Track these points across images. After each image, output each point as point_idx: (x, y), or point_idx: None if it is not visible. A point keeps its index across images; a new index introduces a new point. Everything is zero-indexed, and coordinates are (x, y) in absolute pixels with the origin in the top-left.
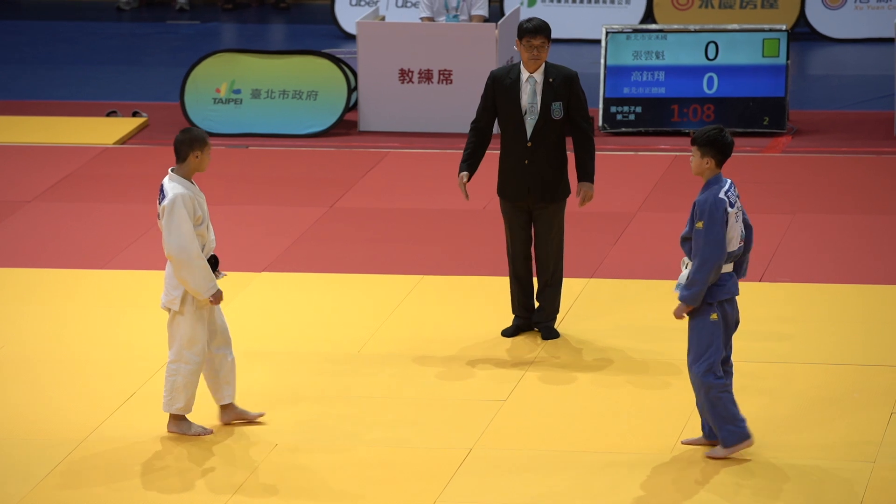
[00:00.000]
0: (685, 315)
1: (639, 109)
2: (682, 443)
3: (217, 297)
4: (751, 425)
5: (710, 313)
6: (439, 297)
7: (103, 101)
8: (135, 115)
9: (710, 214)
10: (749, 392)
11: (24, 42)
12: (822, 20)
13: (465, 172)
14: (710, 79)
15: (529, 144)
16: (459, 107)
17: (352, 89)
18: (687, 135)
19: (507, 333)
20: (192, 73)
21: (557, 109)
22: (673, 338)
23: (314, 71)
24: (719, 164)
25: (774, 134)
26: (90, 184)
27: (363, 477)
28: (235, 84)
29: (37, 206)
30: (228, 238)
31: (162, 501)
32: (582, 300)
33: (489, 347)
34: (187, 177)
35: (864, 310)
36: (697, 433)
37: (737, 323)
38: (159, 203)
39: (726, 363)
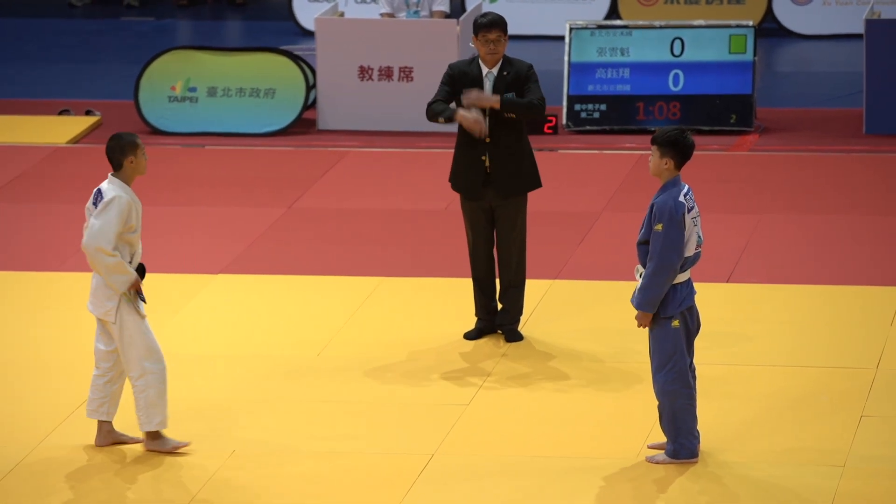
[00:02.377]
0: (649, 323)
1: (603, 107)
2: (649, 447)
3: (134, 284)
4: (716, 429)
5: (672, 320)
6: (400, 299)
7: (55, 100)
8: (88, 113)
9: (669, 217)
10: (714, 395)
11: None
12: (790, 16)
13: (452, 110)
14: (676, 76)
15: (487, 140)
16: (420, 105)
17: (310, 87)
18: (653, 132)
19: (470, 336)
20: (147, 70)
21: None
22: (638, 340)
23: (272, 68)
24: (678, 165)
25: (741, 132)
26: (42, 184)
27: (323, 484)
28: (191, 82)
29: None
30: (184, 240)
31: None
32: (546, 302)
33: (451, 351)
34: (127, 182)
35: (833, 311)
36: (663, 437)
37: (698, 327)
38: (94, 203)
39: (689, 368)
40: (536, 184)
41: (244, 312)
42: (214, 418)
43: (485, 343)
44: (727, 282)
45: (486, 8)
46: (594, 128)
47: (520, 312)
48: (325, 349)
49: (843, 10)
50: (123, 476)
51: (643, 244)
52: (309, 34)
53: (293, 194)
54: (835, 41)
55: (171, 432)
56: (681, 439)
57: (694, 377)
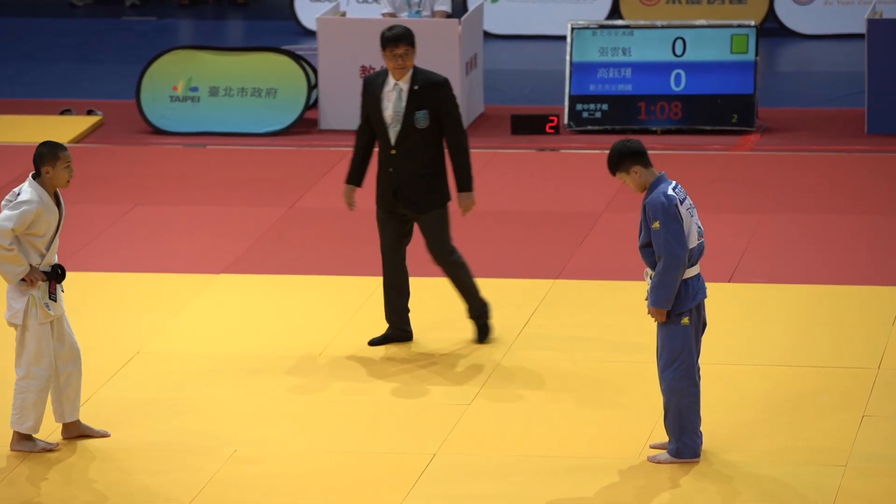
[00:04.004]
0: (664, 317)
1: (605, 107)
2: (651, 447)
3: (31, 277)
4: (717, 428)
5: (681, 318)
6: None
7: (57, 100)
8: (89, 113)
9: (663, 212)
10: (716, 394)
11: None
12: (792, 16)
13: (351, 186)
14: (678, 76)
15: (393, 153)
16: None
17: (312, 87)
18: (654, 132)
19: (374, 342)
20: (149, 70)
21: (422, 118)
22: (641, 340)
23: (273, 68)
24: (646, 165)
25: (743, 132)
26: None
27: (325, 484)
28: (193, 81)
29: None
30: (185, 239)
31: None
32: (547, 301)
33: (454, 350)
34: (45, 188)
35: (835, 311)
36: (665, 437)
37: (704, 325)
38: (9, 199)
39: (695, 366)
40: (445, 198)
41: (246, 312)
42: (216, 418)
43: (486, 343)
44: (729, 281)
45: (488, 8)
46: (596, 128)
47: (478, 308)
48: (326, 349)
49: (844, 9)
50: (124, 475)
51: (645, 247)
52: (310, 34)
53: (295, 194)
54: (836, 41)
55: (174, 429)
56: (684, 438)
57: (699, 377)
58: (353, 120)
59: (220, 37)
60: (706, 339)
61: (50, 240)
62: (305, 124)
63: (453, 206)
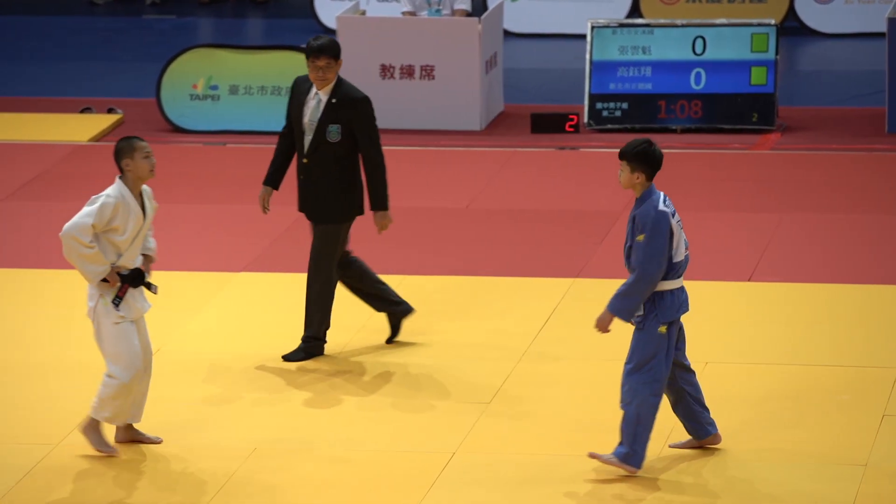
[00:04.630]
0: (608, 329)
1: (625, 106)
2: (670, 446)
3: (110, 276)
4: (737, 427)
5: (659, 325)
6: (420, 297)
7: (77, 98)
8: (110, 111)
9: (652, 227)
10: (738, 394)
11: None
12: (812, 15)
13: (268, 188)
14: (698, 74)
15: (305, 161)
16: (442, 103)
17: None
18: (674, 131)
19: (390, 340)
20: (169, 68)
21: (334, 132)
22: None
23: (293, 66)
24: (650, 177)
25: (763, 131)
26: (64, 182)
27: (343, 483)
28: (213, 80)
29: (9, 205)
30: (205, 238)
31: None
32: (567, 300)
33: (473, 348)
34: (128, 185)
35: (856, 310)
36: (684, 436)
37: (682, 341)
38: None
39: (688, 371)
40: (345, 216)
41: (266, 311)
42: (235, 416)
43: (506, 341)
44: (749, 280)
45: (508, 7)
46: (616, 126)
47: (310, 328)
48: (345, 347)
49: (865, 8)
50: (142, 475)
51: (630, 256)
52: (330, 32)
53: None
54: (857, 40)
55: (192, 428)
56: (635, 446)
57: (692, 384)
58: None
59: (239, 35)
60: (727, 339)
61: (130, 240)
62: None
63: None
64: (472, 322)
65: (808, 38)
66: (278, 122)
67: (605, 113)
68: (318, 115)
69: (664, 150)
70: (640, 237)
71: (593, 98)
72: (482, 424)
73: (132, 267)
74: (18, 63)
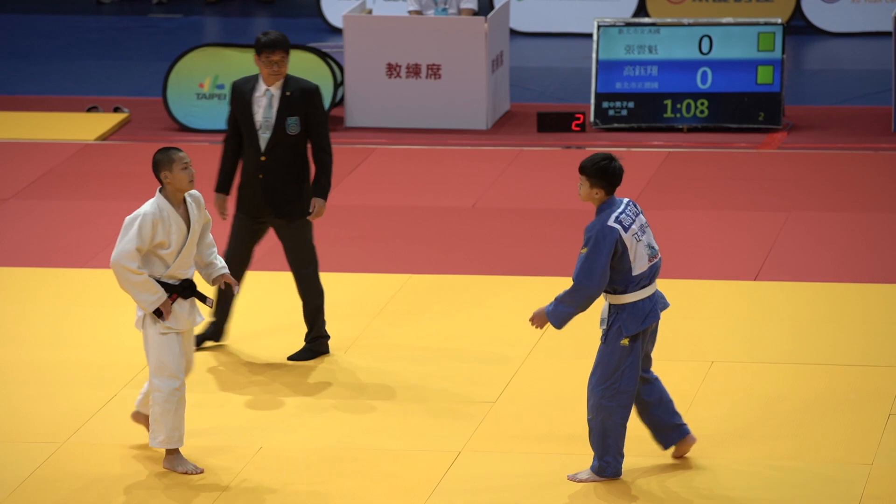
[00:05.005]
0: (542, 327)
1: (631, 105)
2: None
3: (164, 304)
4: (742, 427)
5: (622, 338)
6: (428, 296)
7: (84, 97)
8: (116, 110)
9: (595, 242)
10: (743, 394)
11: (0, 36)
12: (819, 14)
13: (223, 195)
14: (704, 73)
15: (263, 159)
16: (448, 102)
17: (338, 84)
18: (681, 130)
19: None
20: (175, 67)
21: (293, 125)
22: (669, 336)
23: (299, 65)
24: (608, 192)
25: (770, 130)
26: (70, 181)
27: (349, 481)
28: (219, 79)
29: (15, 204)
30: (214, 237)
31: None
32: None
33: (479, 348)
34: (168, 198)
35: (862, 309)
36: (694, 429)
37: (652, 345)
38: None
39: (647, 373)
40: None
41: (270, 310)
42: (240, 415)
43: (512, 340)
44: (755, 280)
45: (514, 6)
46: (622, 125)
47: (316, 330)
48: (352, 346)
49: (871, 7)
50: (147, 475)
51: None
52: (337, 31)
53: None
54: (863, 39)
55: (198, 426)
56: (608, 458)
57: (657, 387)
58: (379, 118)
59: (246, 34)
60: (733, 338)
61: (176, 252)
62: (331, 122)
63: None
64: (478, 321)
65: (814, 37)
66: None
67: (611, 112)
68: (273, 111)
69: (669, 150)
70: (583, 250)
71: (599, 97)
72: (488, 424)
73: (182, 277)
74: (25, 62)
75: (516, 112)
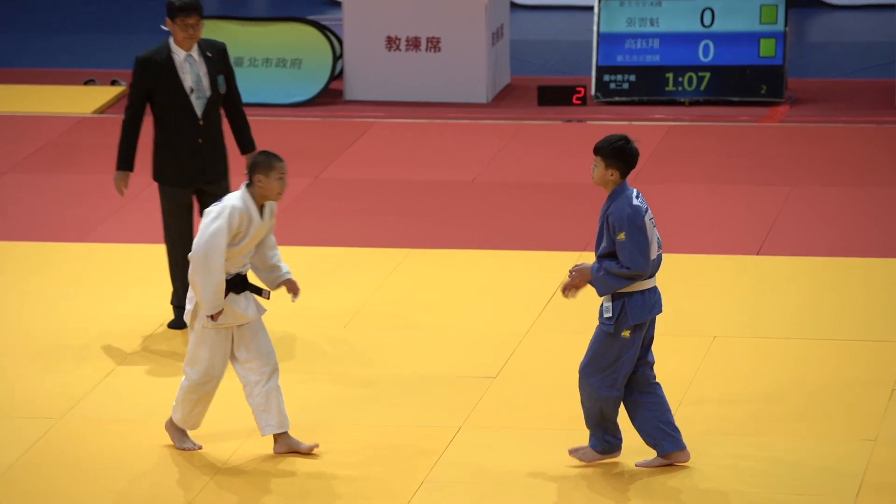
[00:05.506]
0: (575, 285)
1: (632, 78)
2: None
3: (215, 317)
4: (745, 403)
5: (625, 327)
6: (427, 271)
7: (81, 70)
8: (113, 83)
9: (630, 223)
10: (744, 369)
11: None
12: None
13: (126, 172)
14: (706, 46)
15: (202, 123)
16: (448, 75)
17: (337, 57)
18: (682, 104)
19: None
20: None
21: (222, 83)
22: (668, 311)
23: (298, 38)
24: (623, 175)
25: (772, 103)
26: (67, 154)
27: (348, 457)
28: None
29: (12, 178)
30: None
31: (147, 482)
32: None
33: (479, 323)
34: (255, 197)
35: (865, 284)
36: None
37: (651, 340)
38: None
39: (650, 370)
40: None
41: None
42: (238, 392)
43: (513, 315)
44: (757, 254)
45: None
46: (623, 99)
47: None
48: (351, 321)
49: None
50: (143, 451)
51: (604, 257)
52: (336, 4)
53: (319, 165)
54: (867, 11)
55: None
56: (607, 437)
57: (653, 384)
58: (378, 91)
59: (245, 7)
60: (734, 313)
61: (244, 251)
62: (330, 95)
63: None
64: (478, 296)
65: (817, 9)
66: (286, 94)
67: (612, 85)
68: (201, 73)
69: (670, 124)
70: (621, 236)
71: (601, 70)
72: (489, 399)
73: (235, 272)
74: (23, 35)
75: (517, 85)
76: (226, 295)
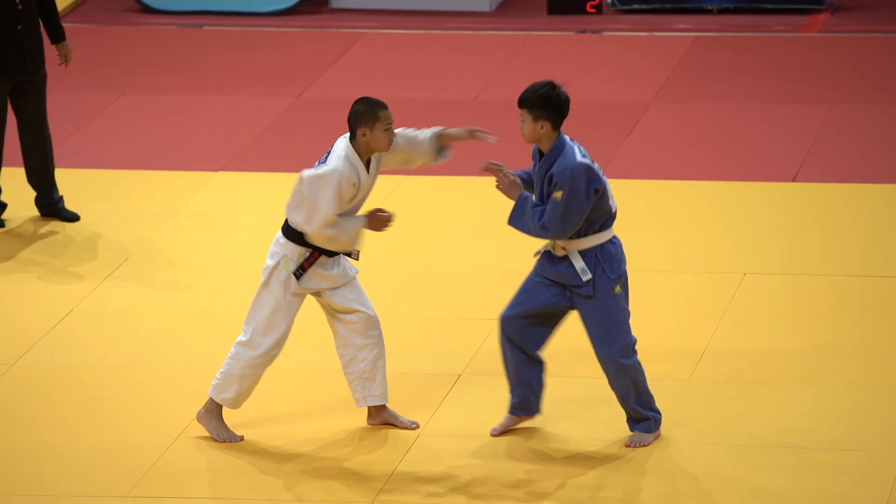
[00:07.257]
0: (502, 188)
1: None
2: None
3: (375, 222)
4: (775, 345)
5: (612, 287)
6: (423, 200)
7: None
8: None
9: (571, 183)
10: (777, 309)
11: None
12: None
13: None
14: None
15: (20, 7)
16: None
17: None
18: (710, 12)
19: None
20: None
21: None
22: (695, 245)
23: None
24: (556, 126)
25: (812, 11)
26: None
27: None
28: None
29: None
30: (179, 133)
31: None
32: None
33: (479, 257)
34: (359, 152)
35: None
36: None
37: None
38: (319, 162)
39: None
40: None
41: (249, 215)
42: (228, 333)
43: (515, 249)
44: (793, 181)
45: None
46: (643, 6)
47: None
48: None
49: None
50: (99, 399)
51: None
52: None
53: (302, 82)
54: None
55: (172, 351)
56: (648, 412)
57: (540, 357)
58: None
59: None
60: (766, 248)
61: (354, 210)
62: (314, 2)
63: None
64: (479, 227)
65: None
66: (261, 2)
67: None
68: None
69: (696, 34)
70: (558, 194)
71: None
72: (490, 343)
73: None
74: None
75: None
76: (317, 259)
